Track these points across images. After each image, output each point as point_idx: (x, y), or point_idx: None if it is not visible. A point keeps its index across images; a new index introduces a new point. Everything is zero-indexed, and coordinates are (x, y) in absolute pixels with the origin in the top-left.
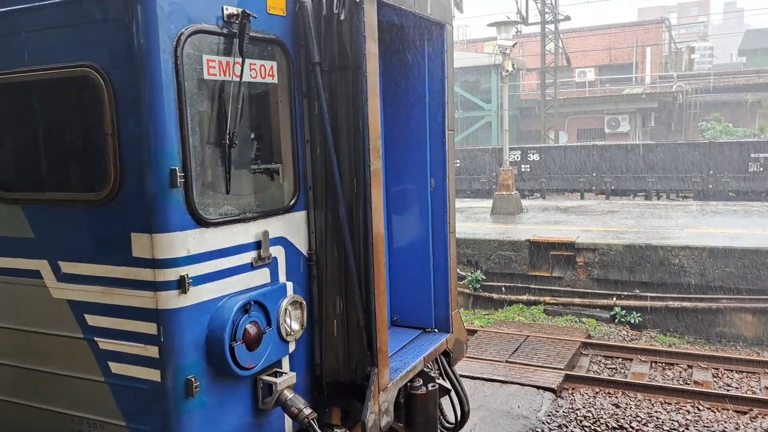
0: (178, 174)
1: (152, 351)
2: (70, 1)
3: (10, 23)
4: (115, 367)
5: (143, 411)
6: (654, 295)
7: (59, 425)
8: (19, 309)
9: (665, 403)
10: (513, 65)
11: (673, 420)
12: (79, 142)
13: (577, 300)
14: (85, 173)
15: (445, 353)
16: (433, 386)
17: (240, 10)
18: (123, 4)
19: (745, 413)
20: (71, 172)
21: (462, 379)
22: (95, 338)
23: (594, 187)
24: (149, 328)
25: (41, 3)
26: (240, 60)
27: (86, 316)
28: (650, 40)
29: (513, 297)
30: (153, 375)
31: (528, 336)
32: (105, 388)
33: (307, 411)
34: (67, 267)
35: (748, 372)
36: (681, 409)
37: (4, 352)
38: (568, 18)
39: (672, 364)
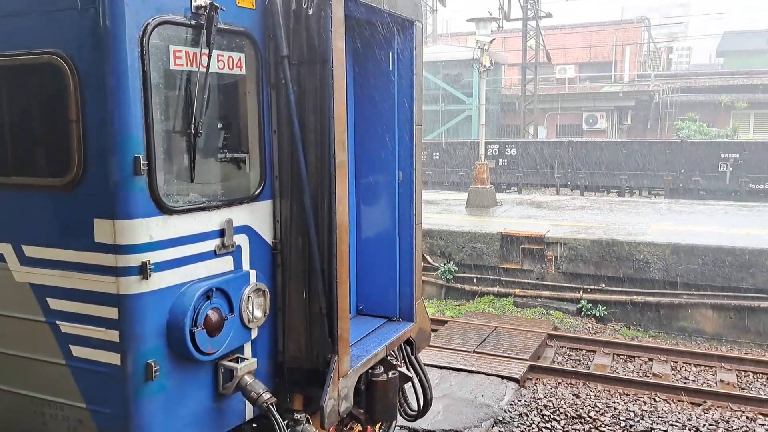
0: (142, 162)
1: (113, 335)
2: None
3: None
4: (77, 351)
5: (103, 394)
6: (619, 289)
7: (20, 407)
8: None
9: (624, 394)
10: (491, 61)
11: (629, 410)
12: (43, 128)
13: (545, 293)
14: (49, 159)
15: (409, 342)
16: (393, 374)
17: (209, 1)
18: None
19: (699, 405)
20: (35, 158)
21: (430, 368)
22: (57, 322)
23: (569, 183)
24: (110, 312)
25: None
26: (207, 51)
27: (48, 299)
28: (630, 39)
29: (484, 288)
30: (113, 359)
31: (497, 327)
32: (66, 371)
33: (266, 396)
34: (30, 251)
35: (705, 365)
36: (638, 400)
37: None
38: (549, 15)
39: (633, 357)
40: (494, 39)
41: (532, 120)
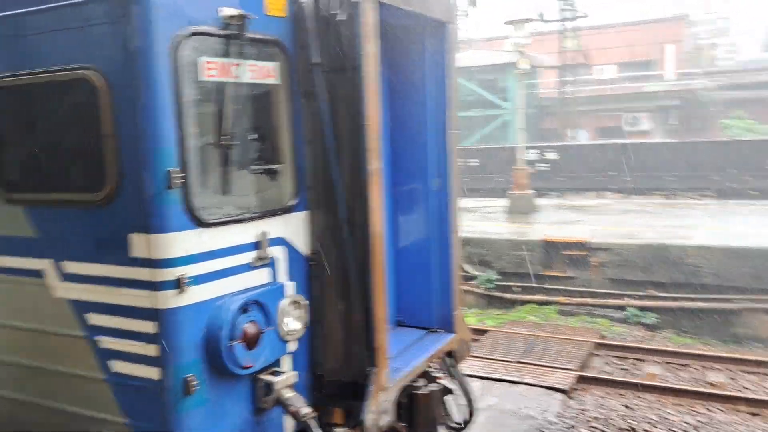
0: (176, 175)
1: (151, 350)
2: (69, 5)
3: (11, 27)
4: (115, 366)
5: (143, 409)
6: (668, 295)
7: (60, 422)
8: (20, 307)
9: (677, 404)
10: (529, 64)
11: (684, 422)
12: (78, 144)
13: (590, 300)
14: (84, 174)
15: (450, 353)
16: (435, 386)
17: (238, 11)
18: (121, 7)
19: (758, 415)
20: (71, 173)
21: (471, 379)
22: (95, 337)
23: (612, 186)
24: (148, 327)
25: (42, 7)
26: (238, 61)
27: (86, 315)
28: (671, 37)
29: (526, 297)
30: (152, 373)
31: (540, 336)
32: (105, 386)
33: (306, 410)
34: (68, 266)
35: (763, 373)
36: (693, 410)
37: (5, 349)
38: (585, 15)
39: (685, 365)
40: (531, 41)
41: (571, 123)
